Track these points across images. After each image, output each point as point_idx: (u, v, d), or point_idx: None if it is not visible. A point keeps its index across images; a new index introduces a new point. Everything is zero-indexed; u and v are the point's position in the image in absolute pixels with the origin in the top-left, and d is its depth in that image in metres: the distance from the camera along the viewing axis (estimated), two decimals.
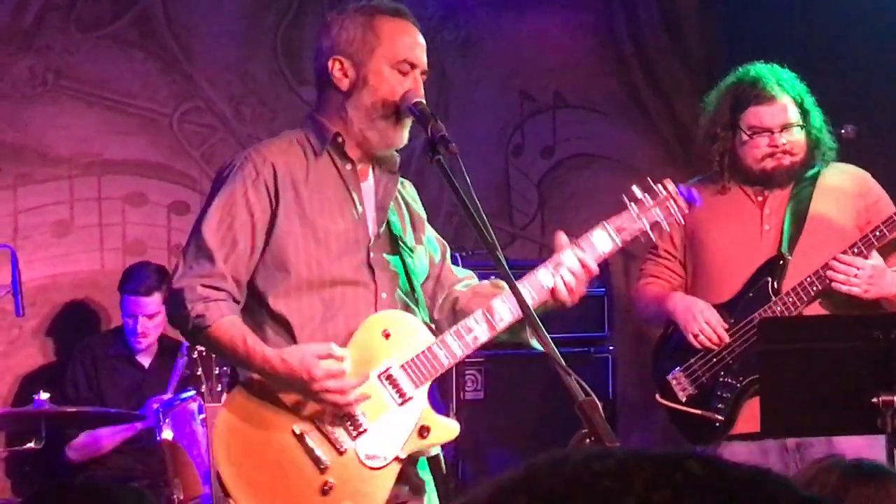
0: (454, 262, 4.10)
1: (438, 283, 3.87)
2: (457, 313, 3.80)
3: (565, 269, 3.65)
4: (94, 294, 6.96)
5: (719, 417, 4.77)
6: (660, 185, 3.80)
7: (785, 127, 4.83)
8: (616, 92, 7.97)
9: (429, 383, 3.61)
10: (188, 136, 7.28)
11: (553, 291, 3.66)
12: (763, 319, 4.52)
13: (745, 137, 4.87)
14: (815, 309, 4.72)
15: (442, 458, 3.79)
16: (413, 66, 3.66)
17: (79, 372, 6.45)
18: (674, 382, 4.89)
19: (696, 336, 4.78)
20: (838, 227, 4.84)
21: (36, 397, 5.52)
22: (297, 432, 3.56)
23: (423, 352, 3.60)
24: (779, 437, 4.61)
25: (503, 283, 3.62)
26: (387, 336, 3.60)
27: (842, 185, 4.92)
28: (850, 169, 5.00)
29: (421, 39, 3.72)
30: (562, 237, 3.68)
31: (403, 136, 3.67)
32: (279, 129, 7.21)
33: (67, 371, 6.51)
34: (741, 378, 4.76)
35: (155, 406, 5.80)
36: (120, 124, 7.14)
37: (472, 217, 3.37)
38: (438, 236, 3.97)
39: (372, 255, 3.69)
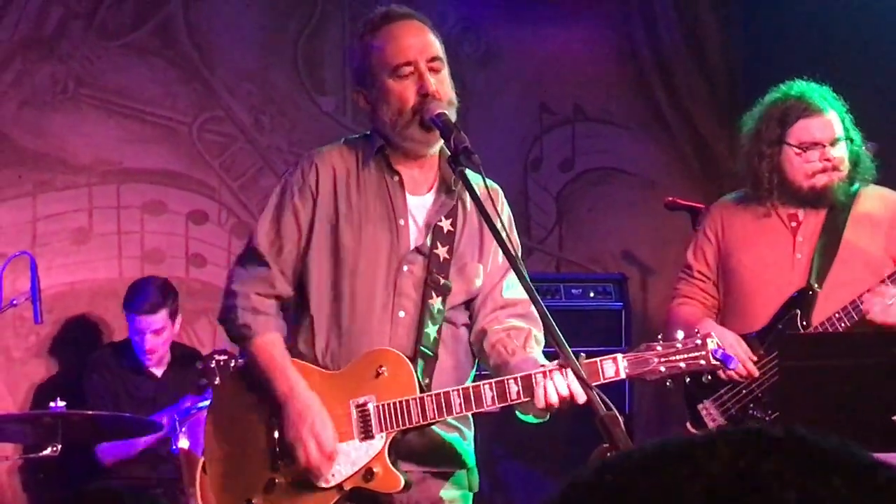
0: None
1: (484, 302, 3.79)
2: (480, 352, 3.78)
3: (551, 386, 3.51)
4: (111, 302, 6.96)
5: None
6: (699, 339, 3.54)
7: (834, 141, 4.78)
8: (636, 106, 7.96)
9: (394, 431, 3.58)
10: (208, 145, 7.29)
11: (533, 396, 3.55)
12: (784, 336, 4.50)
13: (794, 153, 4.80)
14: None
15: (476, 474, 3.80)
16: (411, 63, 3.61)
17: (96, 384, 6.44)
18: (704, 412, 4.86)
19: (725, 371, 4.73)
20: (870, 258, 4.78)
21: (52, 404, 5.52)
22: (271, 426, 3.67)
23: (399, 402, 3.58)
24: None
25: (519, 352, 3.65)
26: (378, 374, 3.60)
27: (875, 212, 4.86)
28: (886, 193, 4.93)
29: (416, 32, 3.67)
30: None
31: (435, 135, 3.62)
32: (299, 138, 7.30)
33: (84, 384, 6.49)
34: (770, 412, 4.71)
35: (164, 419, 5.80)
36: (140, 133, 7.16)
37: (494, 228, 3.36)
38: (508, 252, 3.57)
39: (405, 268, 3.68)
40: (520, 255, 3.48)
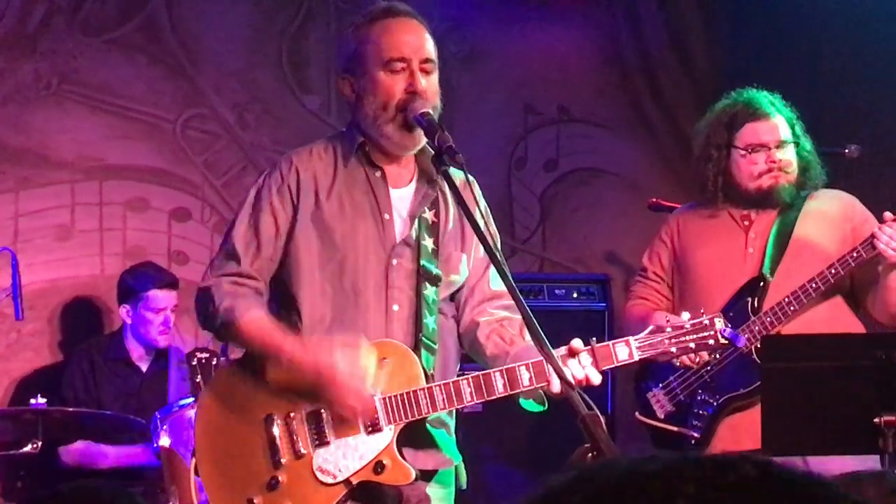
0: None
1: (471, 294, 3.82)
2: (473, 343, 3.79)
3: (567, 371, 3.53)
4: (93, 299, 6.95)
5: (695, 434, 4.83)
6: (707, 318, 3.62)
7: (780, 144, 4.87)
8: (620, 107, 7.96)
9: (402, 423, 3.58)
10: (191, 142, 7.27)
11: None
12: (765, 337, 4.50)
13: (741, 155, 4.89)
14: (794, 327, 4.70)
15: (463, 471, 3.80)
16: (405, 60, 3.63)
17: (77, 376, 6.43)
18: (653, 400, 4.95)
19: (682, 361, 4.76)
20: (821, 250, 4.82)
21: (33, 401, 5.51)
22: (269, 421, 3.63)
23: (408, 392, 3.57)
24: (779, 455, 4.59)
25: (518, 341, 3.67)
26: (382, 365, 3.59)
27: (828, 209, 4.92)
28: (838, 194, 5.00)
29: (414, 31, 3.69)
30: (577, 342, 3.56)
31: (415, 137, 3.64)
32: (283, 137, 7.29)
33: (65, 375, 6.49)
34: (718, 396, 4.81)
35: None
36: (123, 129, 7.14)
37: (478, 228, 3.36)
38: (489, 247, 3.80)
39: (394, 261, 3.68)
40: (499, 245, 3.51)
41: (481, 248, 3.74)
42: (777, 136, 4.87)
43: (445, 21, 7.50)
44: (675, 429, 4.87)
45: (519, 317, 3.73)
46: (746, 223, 4.94)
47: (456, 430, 3.86)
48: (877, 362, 4.04)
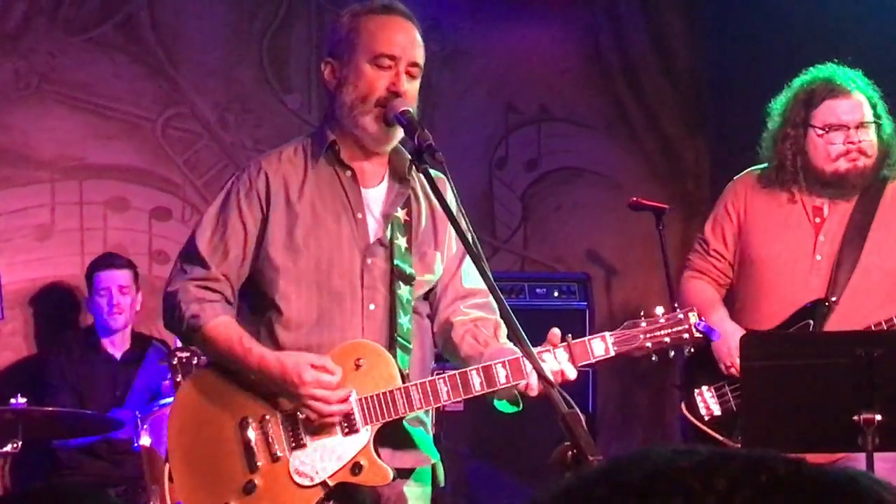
0: None
1: (445, 292, 3.82)
2: (447, 343, 3.79)
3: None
4: (74, 298, 6.93)
5: (737, 447, 4.48)
6: (681, 313, 3.66)
7: (861, 125, 4.64)
8: (601, 106, 7.97)
9: (379, 423, 3.57)
10: (172, 141, 7.26)
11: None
12: (744, 335, 4.49)
13: (818, 134, 4.66)
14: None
15: (441, 469, 3.78)
16: (394, 59, 3.63)
17: (55, 373, 6.44)
18: (699, 398, 4.80)
19: (727, 367, 4.69)
20: (892, 268, 4.68)
21: (13, 401, 5.49)
22: (244, 424, 3.61)
23: (384, 393, 3.57)
24: None
25: (493, 342, 3.67)
26: (357, 366, 3.58)
27: None
28: None
29: (409, 33, 3.70)
30: (555, 334, 3.57)
31: (392, 134, 3.64)
32: (264, 136, 7.27)
33: (44, 375, 6.49)
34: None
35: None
36: (103, 129, 7.12)
37: (459, 227, 3.36)
38: (463, 240, 3.81)
39: (368, 261, 3.67)
40: (477, 242, 3.50)
41: (454, 246, 3.78)
42: (858, 115, 4.65)
43: (426, 20, 7.46)
44: (718, 437, 4.71)
45: (493, 317, 3.77)
46: (818, 220, 4.73)
47: (437, 428, 3.86)
48: (856, 360, 4.04)
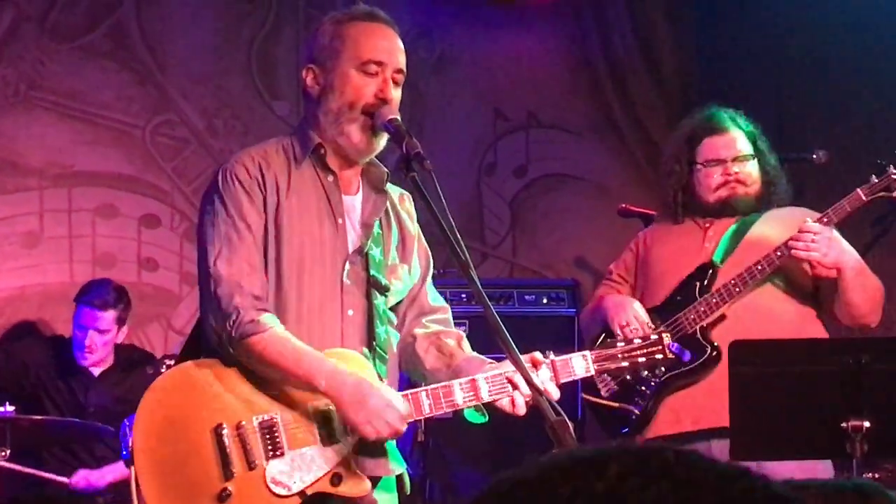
0: None
1: (410, 306, 3.83)
2: (411, 356, 3.80)
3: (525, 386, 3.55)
4: (62, 306, 6.91)
5: (635, 410, 4.89)
6: (655, 334, 3.80)
7: (737, 158, 4.98)
8: (589, 113, 7.98)
9: (358, 435, 3.51)
10: (160, 148, 7.26)
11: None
12: (733, 343, 4.51)
13: (699, 169, 5.01)
14: (761, 335, 4.72)
15: (407, 478, 3.76)
16: (381, 65, 3.62)
17: (16, 381, 6.40)
18: (598, 379, 4.97)
19: (622, 327, 4.85)
20: (774, 245, 4.85)
21: (1, 409, 5.48)
22: (219, 431, 3.49)
23: None
24: (747, 460, 4.60)
25: (459, 353, 3.70)
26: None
27: (788, 216, 4.97)
28: (800, 208, 5.04)
29: (393, 39, 3.70)
30: (537, 355, 3.59)
31: (376, 142, 3.64)
32: (252, 143, 7.11)
33: (28, 384, 6.47)
34: (660, 373, 4.83)
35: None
36: (92, 136, 7.12)
37: (447, 235, 3.35)
38: (427, 256, 3.90)
39: (348, 267, 3.66)
40: (430, 275, 3.54)
41: (420, 261, 3.83)
42: (733, 150, 4.99)
43: (415, 27, 7.50)
44: (616, 405, 4.95)
45: (454, 330, 3.82)
46: (707, 225, 5.05)
47: (426, 436, 3.86)
48: (844, 367, 4.06)
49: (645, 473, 1.01)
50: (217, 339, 3.54)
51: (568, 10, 7.98)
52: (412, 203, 3.81)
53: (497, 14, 7.79)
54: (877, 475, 4.90)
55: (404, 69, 3.68)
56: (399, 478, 3.73)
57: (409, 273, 3.81)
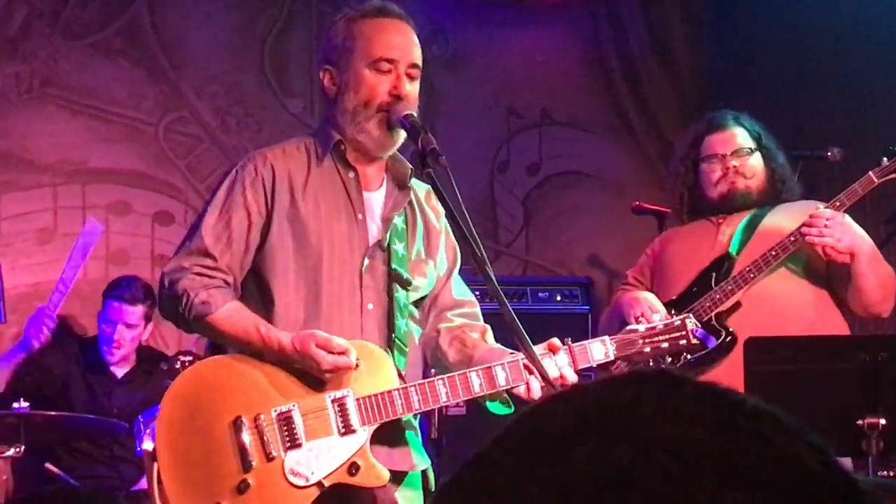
0: None
1: (435, 301, 3.84)
2: (434, 350, 3.81)
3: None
4: (76, 303, 6.91)
5: None
6: (678, 319, 3.75)
7: (735, 151, 5.02)
8: (603, 110, 7.97)
9: (376, 424, 3.55)
10: (173, 145, 7.26)
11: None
12: (749, 339, 4.51)
13: (702, 167, 5.07)
14: (778, 326, 4.70)
15: (431, 473, 3.77)
16: (392, 62, 3.63)
17: (39, 380, 6.41)
18: (615, 368, 4.95)
19: (636, 319, 4.82)
20: (788, 233, 4.86)
21: (16, 405, 5.49)
22: (238, 423, 3.54)
23: (381, 393, 3.55)
24: None
25: (481, 345, 3.70)
26: (356, 366, 3.57)
27: (801, 207, 4.96)
28: (811, 201, 5.03)
29: (405, 34, 3.70)
30: (554, 342, 3.59)
31: (395, 137, 3.65)
32: (265, 140, 7.25)
33: (31, 378, 6.48)
34: (673, 362, 4.81)
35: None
36: (105, 133, 7.12)
37: (462, 231, 3.35)
38: (454, 250, 3.90)
39: (367, 262, 3.67)
40: (456, 270, 3.54)
41: (445, 256, 3.82)
42: (731, 144, 5.03)
43: (429, 24, 7.49)
44: None
45: (479, 324, 3.82)
46: (720, 221, 5.07)
47: (440, 432, 3.86)
48: (860, 364, 4.05)
49: (628, 384, 0.99)
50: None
51: (581, 8, 7.97)
52: (437, 199, 3.80)
53: (511, 12, 7.79)
54: (892, 473, 4.88)
55: (419, 63, 3.69)
56: (423, 473, 3.74)
57: (434, 268, 3.82)
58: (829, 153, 5.38)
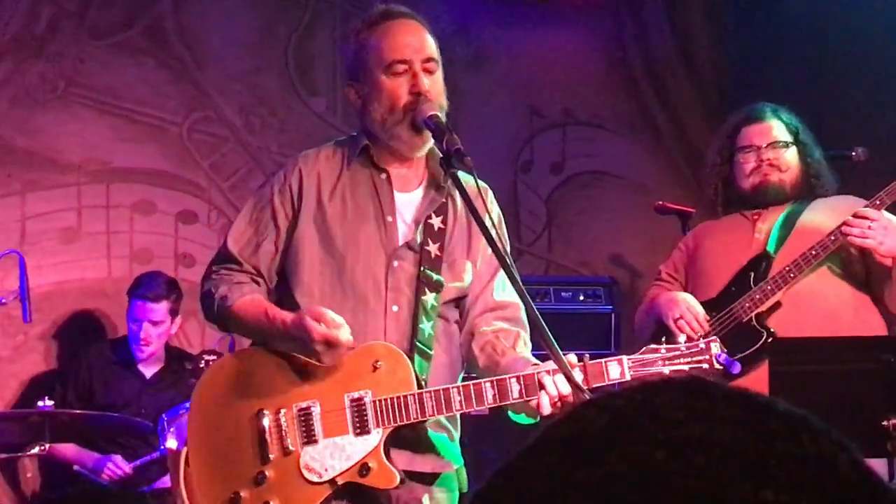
0: None
1: (475, 302, 3.81)
2: (468, 354, 3.80)
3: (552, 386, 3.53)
4: (100, 301, 6.95)
5: None
6: (703, 342, 3.62)
7: (771, 144, 5.00)
8: (625, 110, 7.97)
9: (390, 427, 3.56)
10: (197, 145, 7.28)
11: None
12: (773, 340, 4.51)
13: (737, 159, 5.05)
14: (819, 323, 4.69)
15: (464, 474, 3.78)
16: (406, 62, 3.63)
17: (69, 381, 6.45)
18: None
19: (676, 321, 4.83)
20: (827, 231, 4.83)
21: (41, 403, 5.51)
22: (260, 416, 3.61)
23: (397, 397, 3.56)
24: None
25: (509, 353, 3.68)
26: (375, 367, 3.58)
27: (837, 203, 4.95)
28: (849, 196, 5.01)
29: (413, 31, 3.69)
30: (571, 357, 3.55)
31: (426, 137, 3.64)
32: (288, 140, 7.29)
33: (64, 375, 6.52)
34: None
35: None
36: (129, 132, 7.15)
37: (487, 231, 3.35)
38: (498, 252, 3.84)
39: (395, 263, 3.68)
40: (509, 252, 3.49)
41: (489, 255, 3.75)
42: (767, 136, 5.01)
43: (451, 24, 7.51)
44: None
45: (515, 328, 3.78)
46: (755, 217, 5.05)
47: (463, 432, 3.85)
48: (885, 365, 4.04)
49: (655, 385, 1.01)
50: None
51: (605, 7, 7.97)
52: (491, 196, 3.79)
53: (533, 11, 7.79)
54: None
55: (434, 55, 3.67)
56: (456, 474, 3.76)
57: (474, 270, 3.80)
58: (853, 153, 5.36)
